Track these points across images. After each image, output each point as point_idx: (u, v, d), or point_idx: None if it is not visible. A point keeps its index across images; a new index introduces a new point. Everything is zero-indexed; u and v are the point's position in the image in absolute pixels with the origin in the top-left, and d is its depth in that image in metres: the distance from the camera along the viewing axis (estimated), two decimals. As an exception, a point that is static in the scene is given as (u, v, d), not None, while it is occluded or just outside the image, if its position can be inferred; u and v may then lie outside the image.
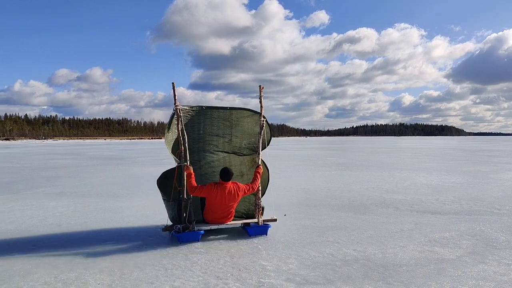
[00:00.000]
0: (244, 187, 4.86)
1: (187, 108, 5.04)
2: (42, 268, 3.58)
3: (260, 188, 5.10)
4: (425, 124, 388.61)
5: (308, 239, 4.61)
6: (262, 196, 5.23)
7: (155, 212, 6.20)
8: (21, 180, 11.26)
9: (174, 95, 4.90)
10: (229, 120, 5.25)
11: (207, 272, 3.48)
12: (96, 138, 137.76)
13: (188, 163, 4.73)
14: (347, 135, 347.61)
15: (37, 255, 4.00)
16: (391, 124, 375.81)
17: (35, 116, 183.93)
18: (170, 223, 4.86)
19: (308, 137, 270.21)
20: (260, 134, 5.23)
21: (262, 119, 5.25)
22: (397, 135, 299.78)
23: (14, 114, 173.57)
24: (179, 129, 4.80)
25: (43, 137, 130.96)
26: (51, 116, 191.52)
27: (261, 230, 4.87)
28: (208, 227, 4.78)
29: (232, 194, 4.72)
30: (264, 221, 4.99)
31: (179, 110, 4.84)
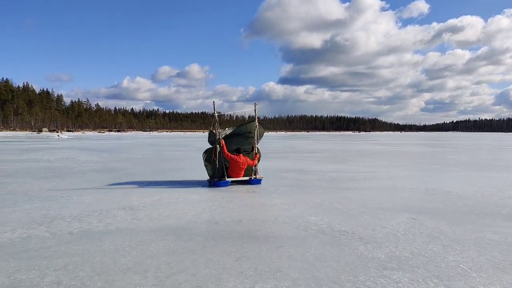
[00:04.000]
0: (248, 160, 8.93)
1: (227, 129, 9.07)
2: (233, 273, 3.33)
3: (256, 163, 9.10)
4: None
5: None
6: (258, 163, 9.21)
7: (302, 211, 5.81)
8: (153, 171, 11.84)
9: (214, 108, 8.85)
10: (248, 128, 9.20)
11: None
12: (195, 131, 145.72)
13: (218, 145, 8.57)
14: (446, 130, 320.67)
15: (222, 257, 3.80)
16: (497, 119, 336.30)
17: (140, 110, 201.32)
18: (208, 178, 8.89)
19: (403, 132, 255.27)
20: (255, 132, 9.16)
21: (257, 123, 9.08)
22: (504, 131, 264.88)
23: (122, 108, 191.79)
24: (216, 129, 8.62)
25: (149, 129, 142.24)
26: (153, 109, 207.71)
27: (257, 181, 8.93)
28: (231, 179, 8.76)
29: (241, 161, 8.79)
30: (257, 178, 8.99)
31: (216, 117, 8.76)
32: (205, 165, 8.84)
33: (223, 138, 8.78)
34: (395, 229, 4.89)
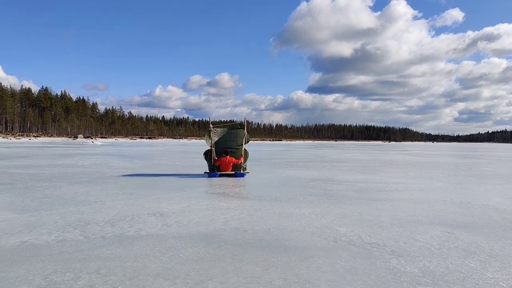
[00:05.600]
0: (233, 159, 11.83)
1: (218, 127, 12.39)
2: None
3: (242, 160, 11.92)
4: None
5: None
6: (245, 161, 12.15)
7: (330, 221, 5.72)
8: (182, 178, 12.00)
9: (209, 122, 12.02)
10: (235, 133, 12.20)
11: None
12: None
13: (213, 149, 11.79)
14: (480, 141, 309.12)
15: (250, 266, 3.80)
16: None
17: (171, 118, 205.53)
18: (207, 171, 12.14)
19: (435, 142, 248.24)
20: (244, 138, 12.08)
21: (245, 131, 12.07)
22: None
23: (153, 115, 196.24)
24: (211, 138, 11.83)
25: (179, 137, 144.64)
26: (183, 117, 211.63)
27: (240, 175, 11.73)
28: (219, 174, 11.72)
29: (228, 160, 11.75)
30: (243, 172, 11.94)
31: (211, 130, 11.85)
32: (205, 159, 12.42)
33: (216, 143, 12.13)
34: (429, 243, 4.73)
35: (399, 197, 8.47)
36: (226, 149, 12.13)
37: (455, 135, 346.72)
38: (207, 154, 12.16)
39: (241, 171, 11.93)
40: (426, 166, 19.45)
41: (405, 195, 8.79)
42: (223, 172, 11.88)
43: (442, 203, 7.76)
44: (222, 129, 12.41)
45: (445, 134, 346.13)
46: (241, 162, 11.96)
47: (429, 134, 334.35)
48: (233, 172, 11.88)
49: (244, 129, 12.15)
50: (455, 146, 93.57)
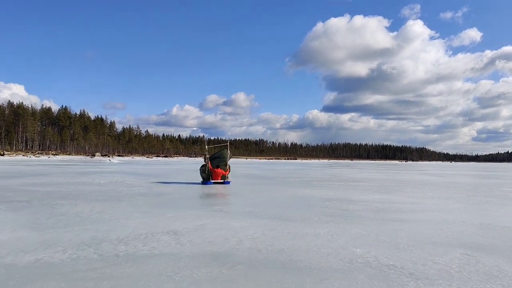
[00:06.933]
0: (222, 171, 15.92)
1: (212, 147, 21.43)
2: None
3: (228, 173, 16.21)
4: None
5: None
6: (229, 173, 16.36)
7: (346, 242, 5.60)
8: (196, 197, 12.02)
9: (205, 144, 19.89)
10: (222, 154, 16.68)
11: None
12: (238, 157, 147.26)
13: (209, 163, 15.84)
14: (500, 161, 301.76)
15: (264, 287, 3.73)
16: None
17: (186, 136, 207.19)
18: (201, 180, 16.15)
19: (453, 162, 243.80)
20: (227, 156, 16.45)
21: (228, 151, 16.64)
22: None
23: (170, 134, 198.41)
24: (207, 157, 16.12)
25: (194, 155, 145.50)
26: (199, 136, 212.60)
27: (227, 183, 15.92)
28: (213, 181, 15.67)
29: (218, 172, 15.85)
30: (228, 180, 16.14)
31: (206, 153, 16.59)
32: (200, 173, 16.33)
33: (210, 159, 16.14)
34: (448, 265, 4.59)
35: (416, 218, 8.28)
36: (217, 164, 16.27)
37: (474, 154, 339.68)
38: (205, 168, 16.13)
39: (227, 180, 16.23)
40: (444, 186, 19.05)
41: (423, 216, 8.59)
42: (215, 181, 15.90)
43: (461, 224, 7.55)
44: (214, 148, 20.76)
45: (463, 153, 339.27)
46: (227, 174, 16.30)
47: (447, 154, 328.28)
48: (222, 181, 16.03)
49: (227, 149, 16.82)
50: (473, 166, 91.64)
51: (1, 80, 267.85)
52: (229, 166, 16.45)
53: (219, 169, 16.02)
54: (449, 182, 22.70)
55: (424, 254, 5.11)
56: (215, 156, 16.65)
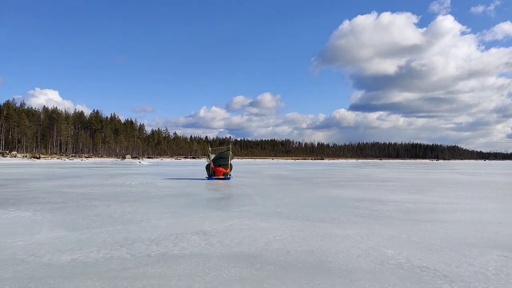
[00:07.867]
0: (223, 170, 19.37)
1: (215, 148, 22.90)
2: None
3: (229, 171, 19.74)
4: None
5: None
6: (231, 171, 19.98)
7: (377, 243, 5.51)
8: (225, 197, 12.11)
9: (209, 146, 22.92)
10: (224, 154, 20.03)
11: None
12: (265, 158, 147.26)
13: (212, 163, 19.62)
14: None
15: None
16: None
17: (213, 138, 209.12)
18: (207, 175, 20.00)
19: (486, 160, 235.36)
20: (229, 157, 19.74)
21: (230, 152, 20.03)
22: None
23: (197, 136, 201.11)
24: (210, 157, 19.75)
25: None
26: (225, 137, 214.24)
27: (227, 178, 19.38)
28: (215, 177, 19.35)
29: (220, 169, 19.39)
30: (229, 176, 19.68)
31: (209, 152, 20.11)
32: (206, 169, 20.05)
33: (213, 160, 19.55)
34: (484, 268, 4.44)
35: (450, 218, 8.05)
36: (219, 164, 19.57)
37: (509, 152, 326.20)
38: (208, 167, 19.79)
39: (228, 176, 19.58)
40: (478, 185, 18.42)
41: (456, 216, 8.34)
42: (217, 177, 19.36)
43: (497, 225, 7.28)
44: (218, 150, 22.38)
45: (498, 151, 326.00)
46: (228, 171, 19.62)
47: (480, 152, 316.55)
48: (223, 177, 19.31)
49: (230, 150, 20.17)
50: (509, 164, 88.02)
51: (37, 86, 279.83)
52: (230, 165, 19.88)
53: (220, 167, 19.59)
54: (483, 181, 21.93)
55: (459, 256, 4.96)
56: (220, 156, 19.87)
